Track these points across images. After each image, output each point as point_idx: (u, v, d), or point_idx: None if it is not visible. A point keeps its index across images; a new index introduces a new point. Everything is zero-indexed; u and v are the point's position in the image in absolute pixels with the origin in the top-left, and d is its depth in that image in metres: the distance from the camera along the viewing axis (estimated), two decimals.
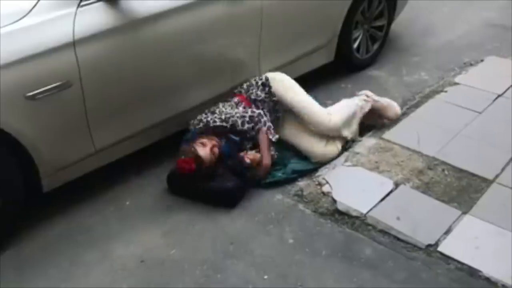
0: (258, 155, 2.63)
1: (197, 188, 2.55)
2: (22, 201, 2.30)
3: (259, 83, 2.86)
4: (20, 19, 2.08)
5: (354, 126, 2.93)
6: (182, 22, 2.54)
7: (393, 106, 3.11)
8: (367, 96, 3.07)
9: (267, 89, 2.83)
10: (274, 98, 2.83)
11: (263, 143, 2.64)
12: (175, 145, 2.86)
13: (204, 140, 2.56)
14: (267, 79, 2.86)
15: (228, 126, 2.63)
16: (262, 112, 2.72)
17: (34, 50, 2.08)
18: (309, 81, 3.17)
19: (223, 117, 2.64)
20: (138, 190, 2.64)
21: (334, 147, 2.81)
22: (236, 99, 2.80)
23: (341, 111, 2.89)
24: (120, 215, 2.49)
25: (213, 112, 2.69)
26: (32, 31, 2.09)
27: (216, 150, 2.55)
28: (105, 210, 2.52)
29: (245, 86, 2.89)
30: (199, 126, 2.67)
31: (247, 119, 2.65)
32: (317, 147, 2.76)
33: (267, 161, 2.61)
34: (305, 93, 2.91)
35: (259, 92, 2.82)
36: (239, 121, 2.64)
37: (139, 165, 2.77)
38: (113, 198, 2.60)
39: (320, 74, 3.55)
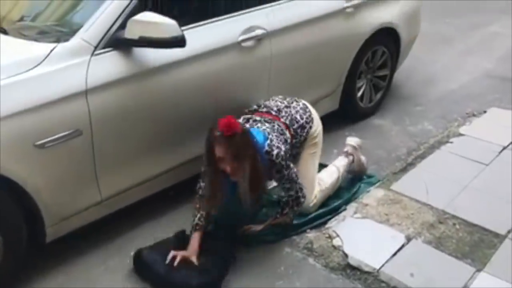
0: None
1: (158, 275, 2.26)
2: (24, 251, 2.22)
3: (299, 106, 2.63)
4: (34, 67, 2.06)
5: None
6: (194, 72, 2.54)
7: (364, 166, 3.05)
8: (352, 149, 3.04)
9: (307, 115, 2.63)
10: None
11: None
12: (179, 194, 2.83)
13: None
14: (305, 105, 2.69)
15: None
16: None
17: (46, 99, 2.05)
18: None
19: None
20: (142, 240, 2.55)
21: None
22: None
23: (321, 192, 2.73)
24: (124, 267, 2.40)
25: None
26: (45, 80, 2.07)
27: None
28: (109, 261, 2.44)
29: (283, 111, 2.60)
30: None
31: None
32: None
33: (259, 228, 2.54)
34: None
35: (298, 117, 2.58)
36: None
37: (143, 214, 2.70)
38: (118, 248, 2.52)
39: (324, 122, 3.54)
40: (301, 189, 2.47)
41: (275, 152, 2.31)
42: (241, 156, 2.18)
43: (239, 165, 2.19)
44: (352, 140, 3.09)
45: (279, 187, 2.52)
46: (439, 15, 6.32)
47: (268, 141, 2.34)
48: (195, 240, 2.34)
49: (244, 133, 2.23)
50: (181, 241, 2.41)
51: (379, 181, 3.04)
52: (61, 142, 2.12)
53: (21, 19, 2.62)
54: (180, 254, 2.28)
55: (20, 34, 2.38)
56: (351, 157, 2.98)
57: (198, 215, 2.38)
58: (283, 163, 2.34)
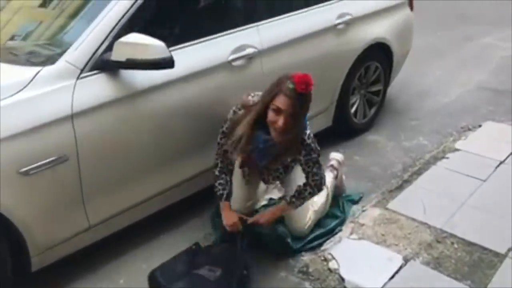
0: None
1: None
2: (10, 281, 2.13)
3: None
4: (18, 92, 2.00)
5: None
6: (184, 93, 2.48)
7: (343, 183, 3.01)
8: (337, 163, 2.98)
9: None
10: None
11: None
12: (170, 218, 2.75)
13: None
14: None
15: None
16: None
17: (30, 124, 1.99)
18: None
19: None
20: (132, 267, 2.49)
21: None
22: None
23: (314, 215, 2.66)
24: None
25: None
26: (29, 105, 2.01)
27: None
28: (99, 286, 2.36)
29: None
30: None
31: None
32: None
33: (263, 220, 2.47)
34: None
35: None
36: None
37: (134, 238, 2.63)
38: (107, 274, 2.44)
39: (317, 139, 3.49)
40: (324, 176, 2.46)
41: (308, 131, 2.35)
42: (298, 117, 2.21)
43: (291, 124, 2.19)
44: (337, 155, 3.05)
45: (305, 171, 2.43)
46: (431, 29, 6.33)
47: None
48: (227, 209, 2.47)
49: (311, 96, 2.24)
50: (194, 254, 2.36)
51: (360, 198, 3.00)
52: (46, 169, 2.06)
53: (12, 38, 2.57)
54: (230, 223, 2.42)
55: (10, 54, 2.33)
56: (335, 172, 2.93)
57: (220, 182, 2.48)
58: (313, 145, 2.37)
